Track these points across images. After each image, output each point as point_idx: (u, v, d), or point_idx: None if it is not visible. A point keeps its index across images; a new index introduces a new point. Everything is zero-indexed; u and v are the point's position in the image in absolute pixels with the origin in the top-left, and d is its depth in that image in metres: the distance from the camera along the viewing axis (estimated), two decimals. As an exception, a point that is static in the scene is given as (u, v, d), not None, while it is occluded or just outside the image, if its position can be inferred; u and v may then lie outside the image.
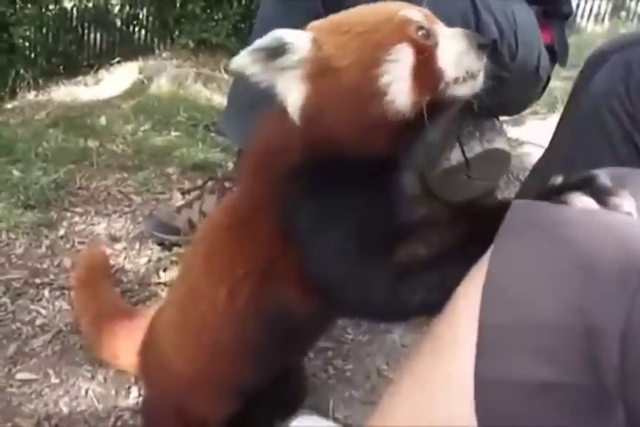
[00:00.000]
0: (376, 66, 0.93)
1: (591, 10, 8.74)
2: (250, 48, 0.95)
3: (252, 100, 2.03)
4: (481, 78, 0.99)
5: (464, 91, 0.98)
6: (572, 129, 1.46)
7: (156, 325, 1.42)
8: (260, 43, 0.95)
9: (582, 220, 0.70)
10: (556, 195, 0.77)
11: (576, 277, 0.63)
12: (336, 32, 0.99)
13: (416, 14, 0.99)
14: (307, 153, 0.98)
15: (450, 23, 1.75)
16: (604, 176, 0.78)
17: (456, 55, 0.97)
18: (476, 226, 0.89)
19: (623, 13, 8.66)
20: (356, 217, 0.97)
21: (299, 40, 0.97)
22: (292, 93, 0.98)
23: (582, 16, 8.71)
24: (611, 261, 0.63)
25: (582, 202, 0.75)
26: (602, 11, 8.76)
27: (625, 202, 0.73)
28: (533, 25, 2.02)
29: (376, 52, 0.94)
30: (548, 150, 1.61)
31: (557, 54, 2.15)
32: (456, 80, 0.96)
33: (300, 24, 2.12)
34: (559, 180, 0.82)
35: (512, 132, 3.16)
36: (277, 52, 0.96)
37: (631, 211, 0.73)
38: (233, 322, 1.16)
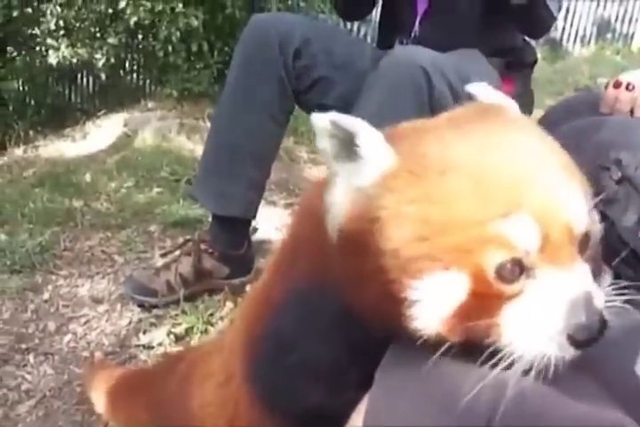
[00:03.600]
0: (411, 276, 0.69)
1: (577, 33, 8.89)
2: (332, 118, 0.73)
3: (219, 166, 2.13)
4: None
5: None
6: None
7: None
8: (339, 119, 0.73)
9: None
10: None
11: (434, 407, 0.69)
12: (416, 197, 0.70)
13: (529, 235, 0.66)
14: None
15: (400, 92, 1.78)
16: None
17: (532, 334, 0.68)
18: None
19: (609, 35, 8.83)
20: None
21: (373, 151, 0.73)
22: (337, 206, 0.76)
23: (568, 39, 8.87)
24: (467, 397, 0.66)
25: None
26: (587, 33, 8.91)
27: None
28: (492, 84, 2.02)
29: (416, 265, 0.68)
30: None
31: (519, 106, 2.19)
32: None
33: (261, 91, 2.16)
34: None
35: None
36: (348, 140, 0.74)
37: None
38: None
